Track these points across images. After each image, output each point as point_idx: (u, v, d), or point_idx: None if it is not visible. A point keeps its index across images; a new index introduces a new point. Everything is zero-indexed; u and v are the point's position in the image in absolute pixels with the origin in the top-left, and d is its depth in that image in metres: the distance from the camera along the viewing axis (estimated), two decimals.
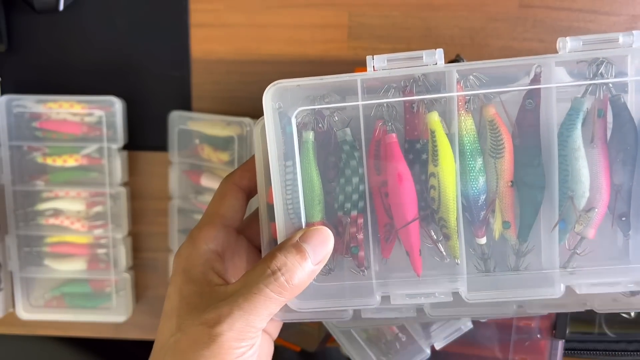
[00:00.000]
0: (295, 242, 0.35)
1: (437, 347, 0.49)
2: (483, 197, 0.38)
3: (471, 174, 0.37)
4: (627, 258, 0.38)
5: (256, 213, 0.41)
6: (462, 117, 0.38)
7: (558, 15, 0.64)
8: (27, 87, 0.66)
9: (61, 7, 0.65)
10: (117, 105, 0.65)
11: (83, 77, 0.68)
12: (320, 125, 0.39)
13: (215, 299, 0.34)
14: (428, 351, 0.49)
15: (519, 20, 0.64)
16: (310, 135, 0.39)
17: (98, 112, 0.65)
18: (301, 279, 0.34)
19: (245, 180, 0.41)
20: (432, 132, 0.37)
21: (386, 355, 0.51)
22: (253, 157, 0.40)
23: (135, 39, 0.67)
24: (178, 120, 0.66)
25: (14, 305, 0.68)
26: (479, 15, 0.64)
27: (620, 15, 0.64)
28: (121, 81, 0.67)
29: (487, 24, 0.64)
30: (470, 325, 0.49)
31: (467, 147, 0.37)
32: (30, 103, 0.65)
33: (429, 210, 0.38)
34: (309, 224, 0.38)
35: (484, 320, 0.50)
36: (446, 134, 0.37)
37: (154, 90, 0.67)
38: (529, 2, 0.64)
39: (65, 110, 0.65)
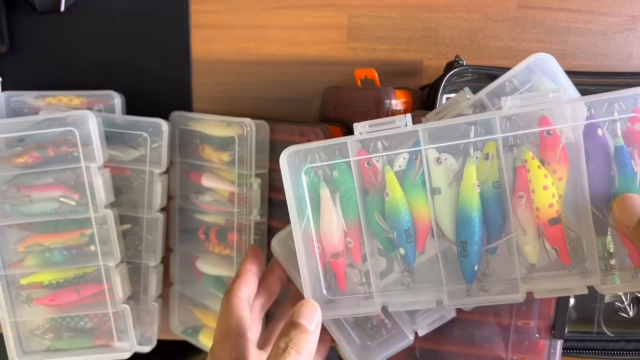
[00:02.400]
0: (291, 322, 0.44)
1: (421, 333, 0.51)
2: None
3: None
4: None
5: None
6: None
7: (557, 16, 0.64)
8: (29, 87, 0.66)
9: (62, 7, 0.65)
10: (116, 99, 0.65)
11: (84, 78, 0.68)
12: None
13: None
14: (411, 337, 0.51)
15: (518, 21, 0.64)
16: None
17: (97, 107, 0.65)
18: (306, 344, 0.43)
19: (244, 291, 0.49)
20: None
21: (372, 339, 0.52)
22: (245, 267, 0.51)
23: (136, 39, 0.67)
24: (178, 121, 0.66)
25: None
26: (478, 16, 0.65)
27: (619, 16, 0.64)
28: (122, 81, 0.68)
29: (486, 24, 0.65)
30: (453, 314, 0.51)
31: None
32: (29, 99, 0.65)
33: None
34: None
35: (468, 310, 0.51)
36: None
37: (154, 91, 0.67)
38: (528, 2, 0.64)
39: (64, 104, 0.65)
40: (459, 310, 0.52)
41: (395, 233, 0.46)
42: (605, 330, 0.60)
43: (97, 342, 0.64)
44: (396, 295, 0.48)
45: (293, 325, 0.43)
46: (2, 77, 0.68)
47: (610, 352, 0.58)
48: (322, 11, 0.66)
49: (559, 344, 0.51)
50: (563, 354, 0.53)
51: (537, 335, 0.51)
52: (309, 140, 0.57)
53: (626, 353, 0.58)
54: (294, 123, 0.61)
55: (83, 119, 0.58)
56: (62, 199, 0.60)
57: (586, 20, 0.64)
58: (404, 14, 0.65)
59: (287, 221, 0.60)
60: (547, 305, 0.50)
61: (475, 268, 0.45)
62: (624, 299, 0.59)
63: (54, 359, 0.64)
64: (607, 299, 0.60)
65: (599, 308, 0.60)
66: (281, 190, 0.61)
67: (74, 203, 0.60)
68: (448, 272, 0.46)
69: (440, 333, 0.53)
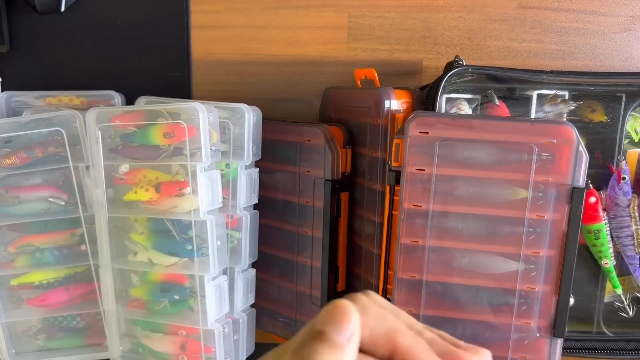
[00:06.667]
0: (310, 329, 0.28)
1: None
2: None
3: None
4: None
5: None
6: None
7: (557, 16, 0.64)
8: (29, 87, 0.67)
9: (62, 7, 0.65)
10: (116, 99, 0.65)
11: (84, 78, 0.68)
12: None
13: None
14: None
15: (518, 21, 0.65)
16: None
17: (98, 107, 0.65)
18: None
19: None
20: None
21: None
22: None
23: (136, 39, 0.68)
24: None
25: None
26: (477, 16, 0.65)
27: (619, 16, 0.64)
28: (122, 81, 0.68)
29: (485, 24, 0.65)
30: None
31: None
32: (30, 99, 0.65)
33: None
34: None
35: None
36: None
37: (154, 91, 0.67)
38: (528, 2, 0.64)
39: (64, 104, 0.65)
40: (460, 310, 0.52)
41: None
42: (605, 330, 0.60)
43: (89, 341, 0.64)
44: None
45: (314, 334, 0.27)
46: (2, 77, 0.68)
47: (610, 352, 0.58)
48: (322, 11, 0.66)
49: (559, 343, 0.51)
50: (562, 354, 0.53)
51: (537, 334, 0.51)
52: (309, 141, 0.58)
53: (625, 353, 0.58)
54: (294, 123, 0.61)
55: (70, 119, 0.58)
56: (50, 199, 0.60)
57: (586, 20, 0.64)
58: (404, 14, 0.65)
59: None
60: (547, 304, 0.50)
61: None
62: (623, 299, 0.60)
63: (47, 358, 0.63)
64: (606, 299, 0.60)
65: (599, 308, 0.60)
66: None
67: (63, 203, 0.60)
68: None
69: None
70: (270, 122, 0.61)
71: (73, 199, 0.60)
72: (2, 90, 0.67)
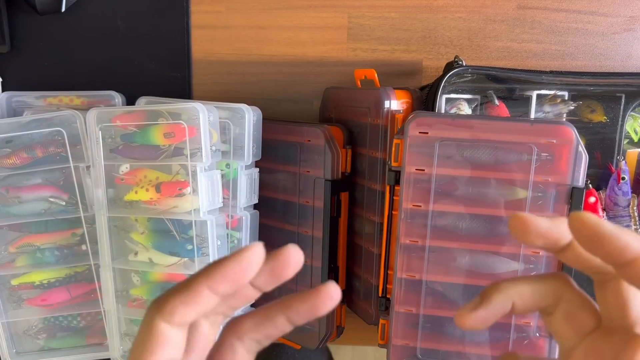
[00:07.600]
0: None
1: None
2: None
3: None
4: None
5: None
6: None
7: (557, 16, 0.64)
8: (30, 88, 0.67)
9: (63, 8, 0.65)
10: (117, 99, 0.65)
11: (84, 78, 0.68)
12: None
13: None
14: None
15: (517, 22, 0.65)
16: None
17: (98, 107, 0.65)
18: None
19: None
20: None
21: None
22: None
23: (136, 40, 0.68)
24: None
25: None
26: (477, 16, 0.65)
27: (618, 16, 0.64)
28: (122, 81, 0.68)
29: (485, 25, 0.65)
30: None
31: None
32: (30, 99, 0.65)
33: None
34: None
35: None
36: None
37: (155, 91, 0.67)
38: (528, 3, 0.64)
39: (65, 105, 0.65)
40: None
41: None
42: None
43: (90, 341, 0.64)
44: None
45: None
46: (3, 78, 0.68)
47: None
48: (322, 12, 0.66)
49: None
50: None
51: (537, 334, 0.51)
52: (309, 141, 0.58)
53: None
54: (294, 123, 0.61)
55: (70, 119, 0.58)
56: (51, 199, 0.60)
57: (585, 20, 0.64)
58: (404, 14, 0.65)
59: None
60: None
61: None
62: None
63: (47, 358, 0.63)
64: None
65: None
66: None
67: (63, 203, 0.60)
68: None
69: (441, 332, 0.53)
70: (270, 122, 0.61)
71: (73, 199, 0.60)
72: (3, 91, 0.67)
